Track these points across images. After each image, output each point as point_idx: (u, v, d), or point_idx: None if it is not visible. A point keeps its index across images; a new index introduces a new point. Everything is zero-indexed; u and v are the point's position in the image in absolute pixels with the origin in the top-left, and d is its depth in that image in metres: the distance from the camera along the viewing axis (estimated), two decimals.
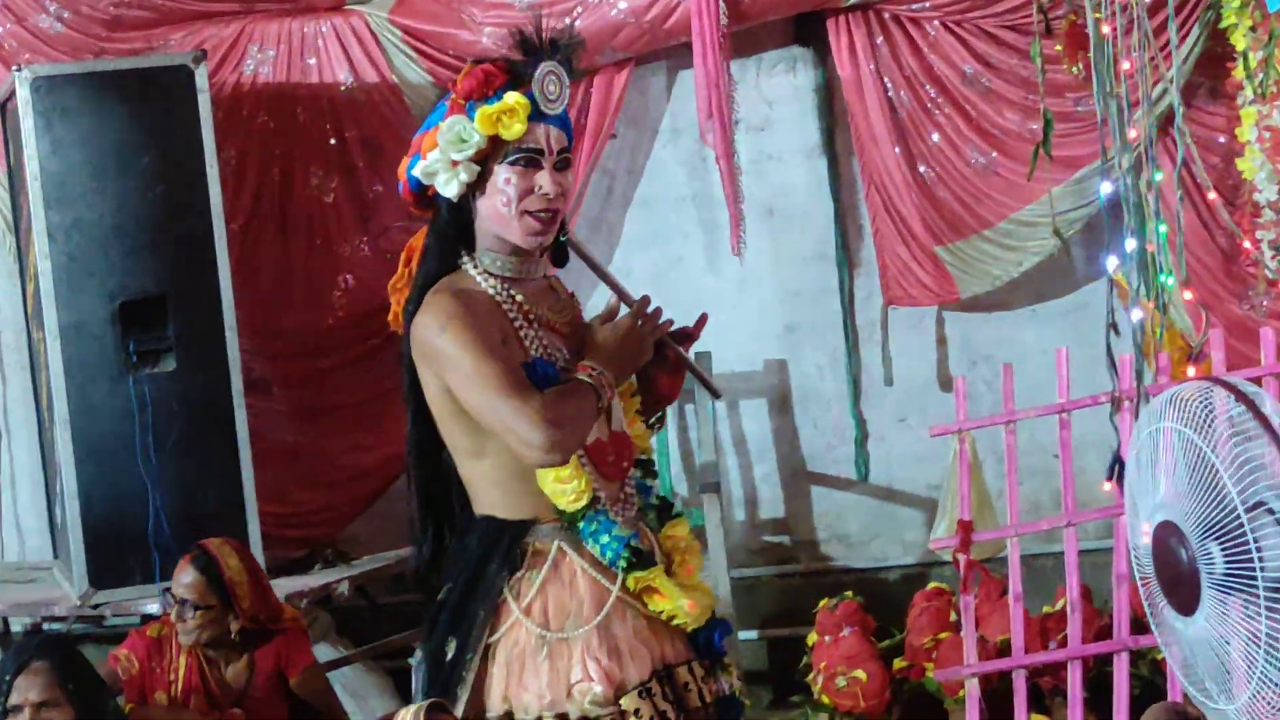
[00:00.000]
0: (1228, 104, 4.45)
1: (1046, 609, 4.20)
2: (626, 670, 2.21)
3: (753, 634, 5.16)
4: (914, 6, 4.75)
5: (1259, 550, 2.28)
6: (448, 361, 2.16)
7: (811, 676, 4.26)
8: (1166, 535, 2.47)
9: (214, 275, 4.15)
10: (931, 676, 4.06)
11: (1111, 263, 3.85)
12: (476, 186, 2.26)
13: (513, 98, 2.21)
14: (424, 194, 2.31)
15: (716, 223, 5.26)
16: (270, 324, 4.80)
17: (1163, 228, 3.85)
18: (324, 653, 4.43)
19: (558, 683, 2.19)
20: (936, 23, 4.73)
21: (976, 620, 3.88)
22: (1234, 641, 2.41)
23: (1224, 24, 4.27)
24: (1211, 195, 4.39)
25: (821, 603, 4.42)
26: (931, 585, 4.48)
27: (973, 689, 3.78)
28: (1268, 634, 2.28)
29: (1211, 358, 3.70)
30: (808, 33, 5.06)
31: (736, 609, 4.80)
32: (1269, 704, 2.33)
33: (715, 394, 2.82)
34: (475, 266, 2.29)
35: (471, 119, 2.23)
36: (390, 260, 4.88)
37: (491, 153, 2.25)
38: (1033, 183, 4.59)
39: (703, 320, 2.41)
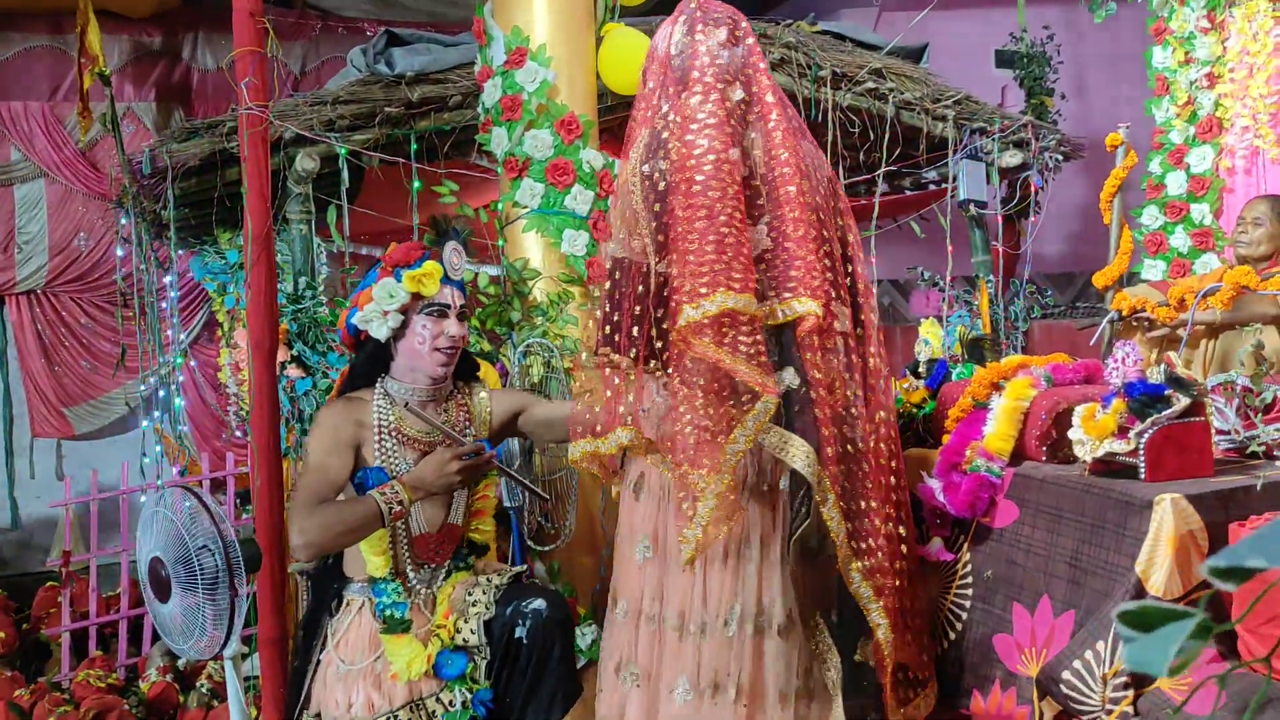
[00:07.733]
0: None
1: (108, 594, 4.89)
2: (387, 699, 2.18)
3: None
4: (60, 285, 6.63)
5: (200, 565, 2.40)
6: (305, 451, 2.14)
7: None
8: (157, 564, 2.51)
9: None
10: (44, 633, 4.73)
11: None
12: (399, 331, 2.27)
13: (430, 265, 2.22)
14: (357, 337, 2.32)
15: None
16: None
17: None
18: None
19: (344, 702, 2.21)
20: (68, 299, 6.75)
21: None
22: (177, 612, 2.52)
23: None
24: None
25: None
26: (49, 585, 5.12)
27: (66, 639, 4.46)
28: (212, 610, 2.41)
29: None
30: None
31: None
32: (208, 644, 2.44)
33: (542, 496, 2.79)
34: (379, 387, 2.28)
35: (399, 280, 2.22)
36: None
37: (410, 306, 2.27)
38: (116, 379, 6.72)
39: (491, 455, 2.35)
